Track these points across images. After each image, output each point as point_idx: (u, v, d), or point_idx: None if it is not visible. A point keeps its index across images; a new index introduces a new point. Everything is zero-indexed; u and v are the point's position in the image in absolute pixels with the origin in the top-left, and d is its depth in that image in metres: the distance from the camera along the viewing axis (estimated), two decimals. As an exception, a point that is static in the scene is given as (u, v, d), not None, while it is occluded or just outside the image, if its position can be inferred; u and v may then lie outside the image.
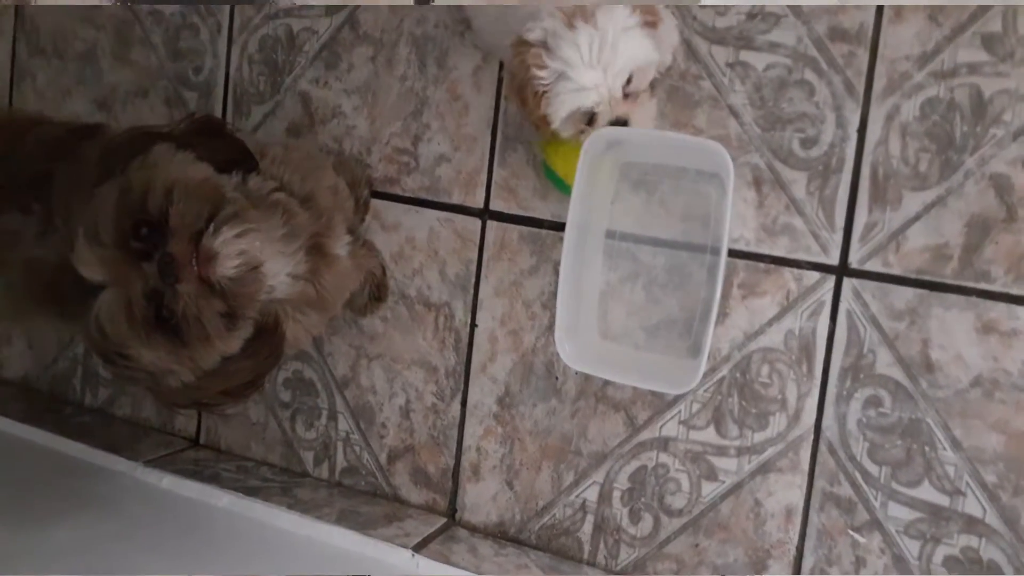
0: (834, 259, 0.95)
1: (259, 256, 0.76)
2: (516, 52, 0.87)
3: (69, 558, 0.97)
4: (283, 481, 1.20)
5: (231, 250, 0.74)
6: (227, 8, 1.23)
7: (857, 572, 0.96)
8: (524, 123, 1.07)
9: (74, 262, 0.74)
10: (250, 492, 1.13)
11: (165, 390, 0.80)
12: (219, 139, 0.85)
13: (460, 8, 1.07)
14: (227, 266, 0.74)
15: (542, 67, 0.84)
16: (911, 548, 0.93)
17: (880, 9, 0.92)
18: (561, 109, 0.87)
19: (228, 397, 0.84)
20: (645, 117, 0.91)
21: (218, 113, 1.25)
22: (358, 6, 1.15)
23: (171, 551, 1.01)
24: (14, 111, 1.36)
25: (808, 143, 0.96)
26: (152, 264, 0.73)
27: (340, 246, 0.92)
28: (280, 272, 0.80)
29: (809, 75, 0.95)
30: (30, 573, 0.92)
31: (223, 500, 1.12)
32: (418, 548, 1.04)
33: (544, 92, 0.86)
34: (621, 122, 0.89)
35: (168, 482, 1.15)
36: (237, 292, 0.76)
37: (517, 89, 0.89)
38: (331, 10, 1.16)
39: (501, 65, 1.07)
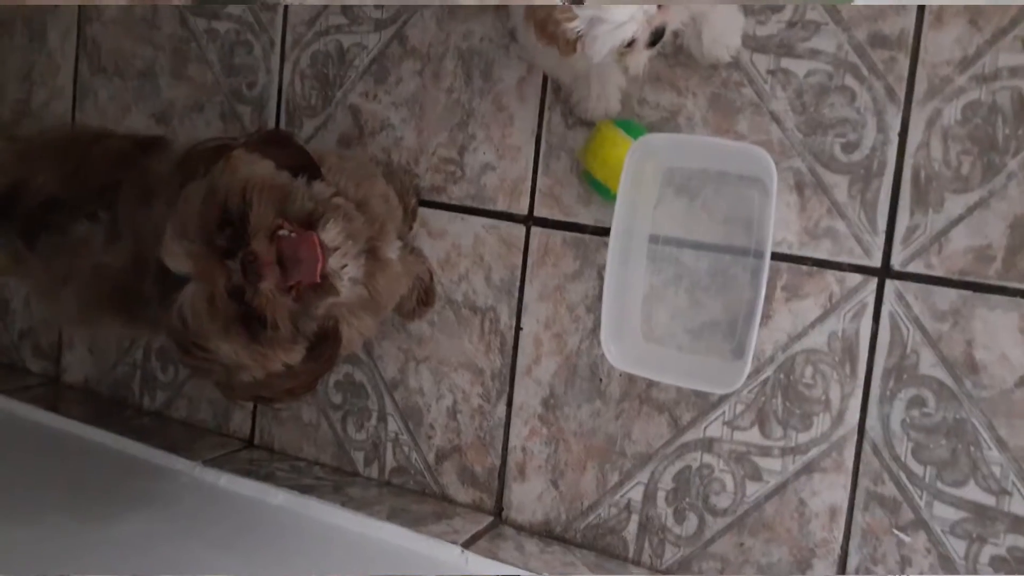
0: (876, 261, 0.94)
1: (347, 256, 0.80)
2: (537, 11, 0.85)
3: (134, 551, 0.98)
4: (335, 480, 1.20)
5: (341, 244, 0.78)
6: (280, 25, 1.25)
7: (903, 571, 0.94)
8: (567, 132, 1.07)
9: (162, 255, 0.76)
10: (304, 490, 1.14)
11: (235, 384, 0.81)
12: (287, 148, 0.86)
13: (507, 19, 1.08)
14: (338, 259, 0.78)
15: (572, 19, 0.83)
16: (957, 548, 0.92)
17: (921, 14, 0.91)
18: (603, 48, 0.84)
19: (288, 395, 0.86)
20: (676, 15, 0.88)
21: (272, 126, 1.26)
22: (406, 22, 1.16)
23: (230, 546, 1.02)
24: (80, 126, 1.38)
25: (849, 147, 0.95)
26: (235, 261, 0.75)
27: (392, 250, 0.93)
28: (346, 275, 0.82)
29: (850, 81, 0.94)
30: (99, 564, 0.93)
31: (278, 498, 1.13)
32: (466, 545, 1.04)
33: (579, 38, 0.84)
34: (659, 30, 0.86)
35: (225, 481, 1.16)
36: (322, 289, 0.78)
37: (540, 25, 0.86)
38: (380, 25, 1.17)
39: (545, 77, 1.08)
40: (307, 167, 0.85)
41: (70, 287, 1.02)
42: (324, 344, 0.83)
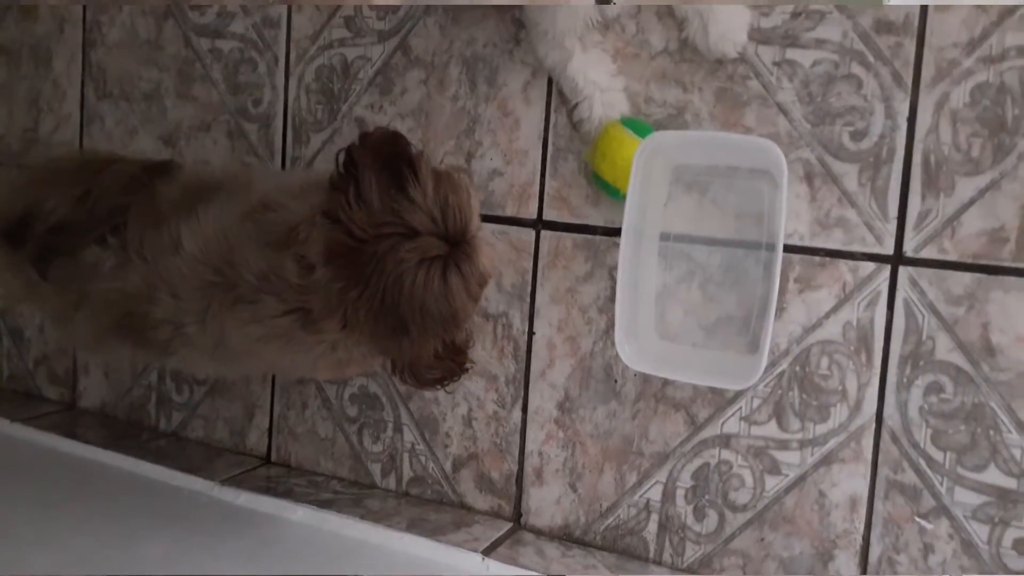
0: (889, 249, 0.91)
1: None
2: None
3: (156, 571, 0.95)
4: (353, 493, 1.16)
5: None
6: (283, 41, 1.22)
7: (926, 558, 0.90)
8: (574, 134, 1.04)
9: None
10: (322, 505, 1.10)
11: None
12: None
13: (512, 24, 1.05)
14: None
15: None
16: (980, 532, 0.88)
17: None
18: None
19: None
20: None
21: (278, 143, 1.23)
22: (409, 31, 1.13)
23: (252, 563, 0.99)
24: (88, 152, 1.35)
25: (858, 135, 0.92)
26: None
27: None
28: None
29: (856, 69, 0.91)
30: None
31: (297, 513, 1.09)
32: (487, 552, 1.01)
33: None
34: None
35: (244, 499, 1.13)
36: None
37: None
38: (383, 36, 1.15)
39: (550, 80, 1.05)
40: None
41: (82, 312, 0.99)
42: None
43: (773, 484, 0.96)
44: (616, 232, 0.97)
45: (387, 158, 0.78)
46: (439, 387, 0.93)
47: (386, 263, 0.76)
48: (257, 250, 0.85)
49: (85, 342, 1.09)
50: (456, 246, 0.78)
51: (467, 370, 0.93)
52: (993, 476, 0.88)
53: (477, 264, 0.79)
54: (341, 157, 0.80)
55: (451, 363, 0.89)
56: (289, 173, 1.21)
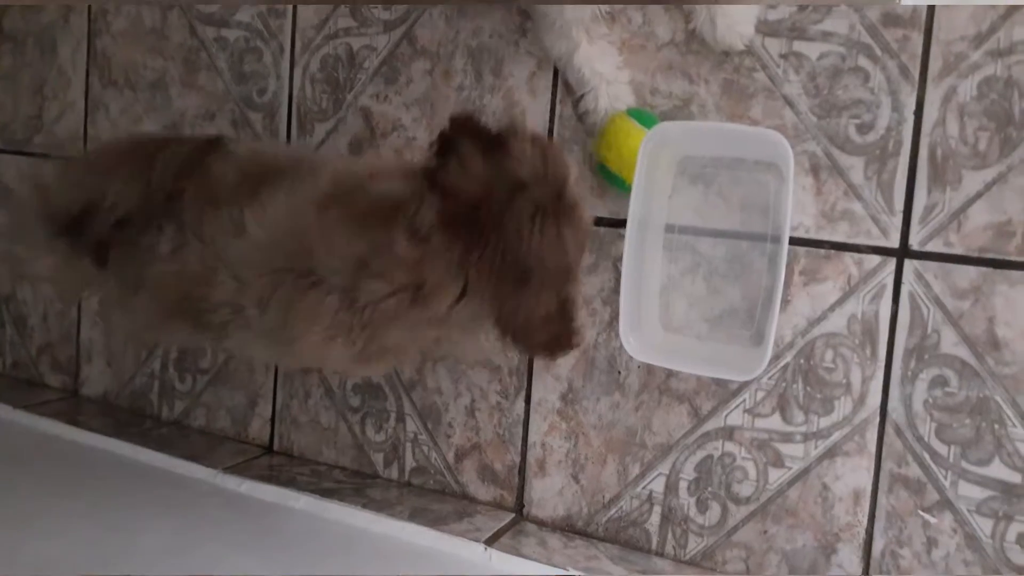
0: (894, 242, 0.91)
1: None
2: None
3: (159, 559, 0.95)
4: (355, 483, 1.17)
5: None
6: (289, 30, 1.22)
7: (929, 552, 0.91)
8: (579, 125, 1.04)
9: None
10: (325, 494, 1.11)
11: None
12: None
13: (518, 14, 1.06)
14: None
15: None
16: (984, 526, 0.89)
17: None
18: None
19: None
20: None
21: (283, 132, 1.23)
22: (415, 21, 1.13)
23: (254, 551, 0.99)
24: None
25: (864, 128, 0.92)
26: None
27: None
28: None
29: (863, 61, 0.91)
30: (125, 573, 0.91)
31: (300, 502, 1.10)
32: (489, 542, 1.01)
33: None
34: None
35: (247, 487, 1.13)
36: None
37: None
38: (389, 26, 1.15)
39: (555, 71, 1.05)
40: None
41: (140, 296, 0.97)
42: None
43: (776, 477, 0.97)
44: (621, 223, 0.97)
45: (478, 129, 0.81)
46: (548, 354, 0.90)
47: (503, 218, 0.77)
48: (350, 235, 0.83)
49: (145, 326, 1.07)
50: (559, 198, 0.79)
51: (577, 344, 0.88)
52: (997, 470, 0.88)
53: (582, 214, 0.81)
54: (435, 144, 0.82)
55: (560, 328, 0.87)
56: (355, 159, 1.17)
